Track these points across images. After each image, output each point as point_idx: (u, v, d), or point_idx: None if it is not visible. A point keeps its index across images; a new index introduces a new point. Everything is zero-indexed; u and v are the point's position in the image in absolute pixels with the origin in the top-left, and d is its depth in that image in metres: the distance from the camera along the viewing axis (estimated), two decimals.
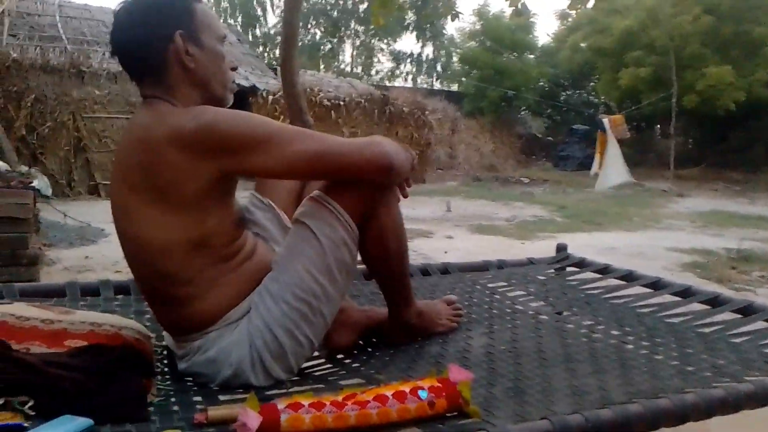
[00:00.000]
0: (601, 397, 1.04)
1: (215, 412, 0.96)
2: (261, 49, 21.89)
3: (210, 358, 1.18)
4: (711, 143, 17.42)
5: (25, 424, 0.88)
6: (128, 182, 1.13)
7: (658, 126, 18.85)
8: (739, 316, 1.57)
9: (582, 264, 2.13)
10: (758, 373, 1.16)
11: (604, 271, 2.02)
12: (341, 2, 22.74)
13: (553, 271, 2.11)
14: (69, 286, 1.59)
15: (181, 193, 1.10)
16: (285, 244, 1.27)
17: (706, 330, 1.48)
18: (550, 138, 19.65)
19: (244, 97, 11.81)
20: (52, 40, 10.01)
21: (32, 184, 3.49)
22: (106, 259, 4.75)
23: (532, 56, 19.47)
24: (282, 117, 11.20)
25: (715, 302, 1.65)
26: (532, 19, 17.94)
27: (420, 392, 0.97)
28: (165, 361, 1.31)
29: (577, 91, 20.73)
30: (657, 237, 7.07)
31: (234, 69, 1.27)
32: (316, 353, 1.36)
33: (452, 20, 13.42)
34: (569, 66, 18.42)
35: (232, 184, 1.20)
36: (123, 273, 4.21)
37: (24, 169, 4.15)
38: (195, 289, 1.15)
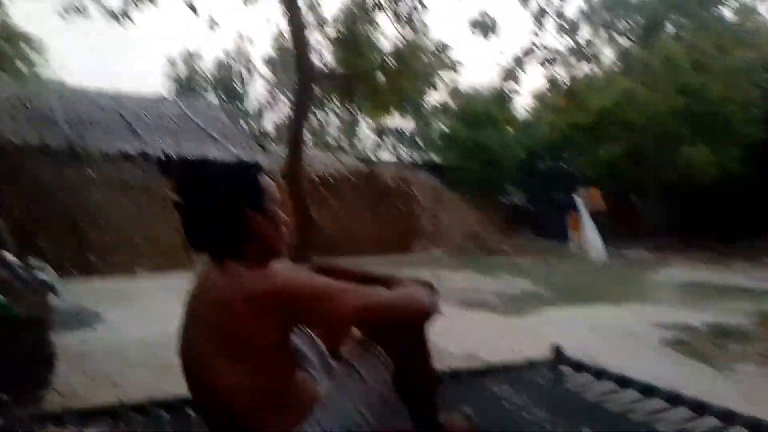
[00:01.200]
0: None
1: None
2: (245, 124, 22.49)
3: None
4: (688, 213, 18.01)
5: None
6: (205, 336, 1.32)
7: (636, 198, 19.47)
8: (722, 424, 1.77)
9: (578, 366, 2.33)
10: None
11: (599, 374, 2.22)
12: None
13: (552, 374, 2.30)
14: (120, 408, 1.75)
15: (255, 344, 1.29)
16: (335, 380, 1.47)
17: None
18: (532, 208, 20.14)
19: None
20: (49, 124, 10.31)
21: (47, 282, 3.63)
22: (106, 347, 4.84)
23: (510, 130, 20.26)
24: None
25: (700, 408, 1.86)
26: (510, 94, 18.79)
27: None
28: None
29: (558, 162, 21.44)
30: (640, 312, 7.29)
31: (285, 224, 1.49)
32: None
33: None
34: (548, 139, 19.17)
35: (292, 330, 1.41)
36: (123, 363, 4.30)
37: (33, 262, 4.27)
38: (258, 425, 1.32)
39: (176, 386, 3.42)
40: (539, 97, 19.40)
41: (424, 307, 1.44)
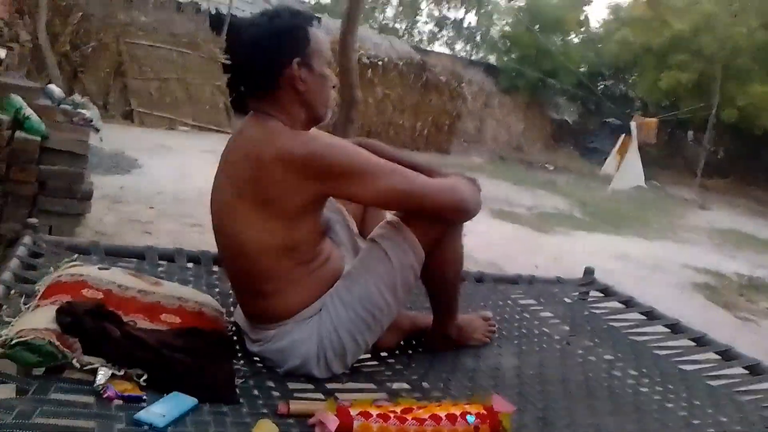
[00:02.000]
0: None
1: (296, 406, 1.14)
2: None
3: (281, 348, 1.35)
4: (742, 158, 17.21)
5: (144, 396, 1.05)
6: (236, 189, 1.27)
7: (691, 132, 18.59)
8: (747, 372, 1.71)
9: (606, 292, 2.26)
10: None
11: (628, 303, 2.16)
12: None
13: (578, 294, 2.25)
14: (147, 250, 1.76)
15: (284, 206, 1.25)
16: (360, 258, 1.43)
17: (714, 383, 1.63)
18: (581, 126, 19.44)
19: None
20: None
21: (90, 120, 3.62)
22: (139, 193, 4.95)
23: (576, 39, 19.10)
24: None
25: (726, 355, 1.79)
26: None
27: (468, 417, 1.14)
28: (235, 338, 1.47)
29: (617, 84, 20.38)
30: (673, 249, 7.17)
31: (334, 87, 1.39)
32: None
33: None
34: (613, 57, 18.07)
35: (324, 201, 1.36)
36: (154, 211, 4.40)
37: (78, 98, 4.25)
38: (280, 286, 1.32)
39: (201, 242, 3.48)
40: (615, 10, 18.04)
41: (465, 202, 1.38)
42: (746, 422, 1.40)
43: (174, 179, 5.64)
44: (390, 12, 23.37)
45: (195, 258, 1.81)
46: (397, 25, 23.33)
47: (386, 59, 12.42)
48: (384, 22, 22.26)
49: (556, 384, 1.49)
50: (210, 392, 1.12)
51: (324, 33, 1.40)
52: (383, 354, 1.57)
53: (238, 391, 1.19)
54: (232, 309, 1.58)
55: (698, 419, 1.40)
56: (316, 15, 13.52)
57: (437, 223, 1.40)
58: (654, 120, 13.76)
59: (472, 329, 1.68)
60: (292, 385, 1.31)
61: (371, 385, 1.38)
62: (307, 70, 1.28)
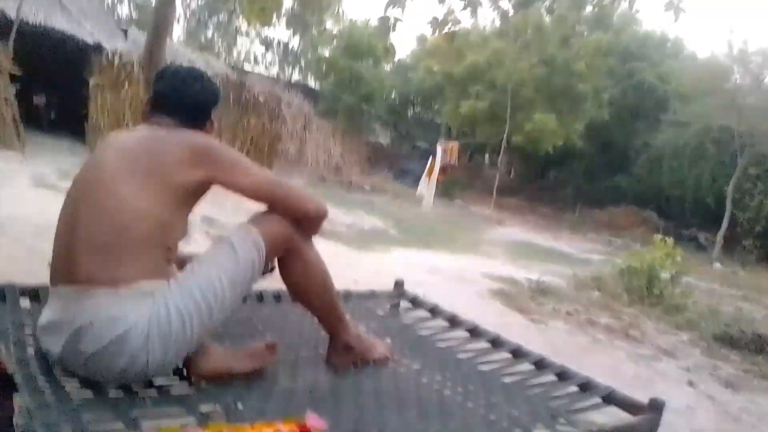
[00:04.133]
0: None
1: None
2: (109, 2, 20.10)
3: (108, 315, 1.31)
4: (530, 178, 19.61)
5: None
6: (130, 162, 1.41)
7: (487, 155, 20.70)
8: (534, 368, 1.93)
9: (415, 302, 2.41)
10: (542, 425, 1.48)
11: (433, 311, 2.32)
12: None
13: (390, 306, 2.36)
14: None
15: (174, 182, 1.41)
16: (206, 251, 1.52)
17: (508, 380, 1.82)
18: (394, 150, 20.57)
19: (87, 55, 10.81)
20: None
21: None
22: None
23: (387, 67, 20.27)
24: (128, 84, 10.45)
25: (517, 353, 2.01)
26: (394, 21, 18.68)
27: None
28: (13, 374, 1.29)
29: (425, 110, 21.98)
30: (475, 261, 7.86)
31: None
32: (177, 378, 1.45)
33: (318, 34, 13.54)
34: (420, 85, 19.51)
35: (204, 192, 1.51)
36: None
37: None
38: (137, 252, 1.37)
39: None
40: (421, 41, 19.50)
41: (319, 205, 1.61)
42: (535, 413, 1.58)
43: None
44: (210, 30, 22.71)
45: None
46: (216, 45, 22.73)
47: None
48: (204, 44, 21.51)
49: (370, 396, 1.54)
50: None
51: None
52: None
53: None
54: (12, 349, 1.39)
55: (495, 415, 1.54)
56: (123, 28, 12.59)
57: (288, 227, 1.56)
58: (456, 144, 15.08)
59: (372, 344, 1.79)
60: (86, 416, 1.18)
61: (181, 409, 1.31)
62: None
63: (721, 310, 6.85)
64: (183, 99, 1.57)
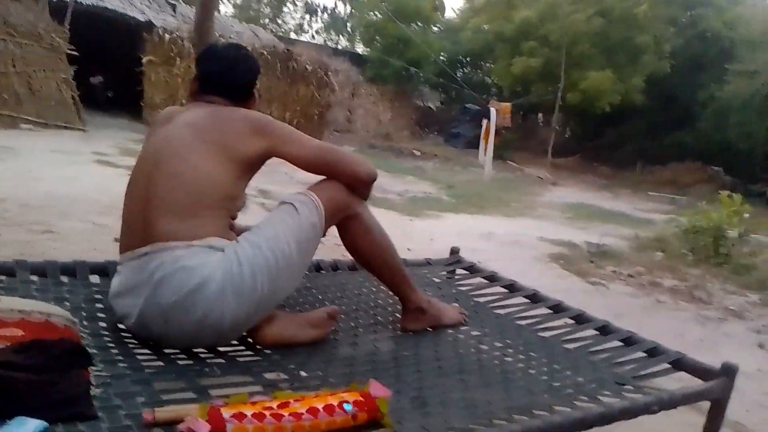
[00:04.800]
0: (488, 412, 1.27)
1: (163, 414, 1.06)
2: None
3: (185, 266, 1.38)
4: (587, 138, 18.94)
5: None
6: (199, 135, 1.50)
7: (541, 115, 20.09)
8: (598, 333, 1.88)
9: (472, 269, 2.38)
10: (608, 392, 1.44)
11: (491, 278, 2.29)
12: None
13: (446, 273, 2.34)
14: None
15: (236, 153, 1.50)
16: (269, 213, 1.58)
17: (571, 346, 1.78)
18: (444, 113, 20.26)
19: (138, 33, 11.04)
20: None
21: None
22: None
23: (436, 29, 19.81)
24: (179, 59, 10.64)
25: (579, 319, 1.96)
26: None
27: (345, 406, 1.14)
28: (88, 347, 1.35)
29: (475, 71, 21.45)
30: (531, 225, 7.72)
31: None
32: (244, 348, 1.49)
33: None
34: (470, 45, 18.99)
35: (259, 167, 1.59)
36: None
37: None
38: (211, 214, 1.46)
39: (52, 252, 3.17)
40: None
41: (369, 169, 1.63)
42: (600, 380, 1.54)
43: (18, 184, 5.09)
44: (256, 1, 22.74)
45: (40, 269, 1.65)
46: (263, 15, 22.76)
47: (250, 49, 12.06)
48: (252, 15, 21.57)
49: (431, 363, 1.54)
50: (61, 410, 1.01)
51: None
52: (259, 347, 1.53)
53: (95, 403, 1.09)
54: (85, 323, 1.45)
55: (558, 381, 1.51)
56: (171, 2, 12.77)
57: (344, 193, 1.60)
58: (508, 105, 14.69)
59: (444, 308, 1.83)
60: (158, 385, 1.23)
61: (247, 378, 1.34)
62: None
63: None
64: (229, 81, 1.65)
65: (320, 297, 1.93)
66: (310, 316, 1.63)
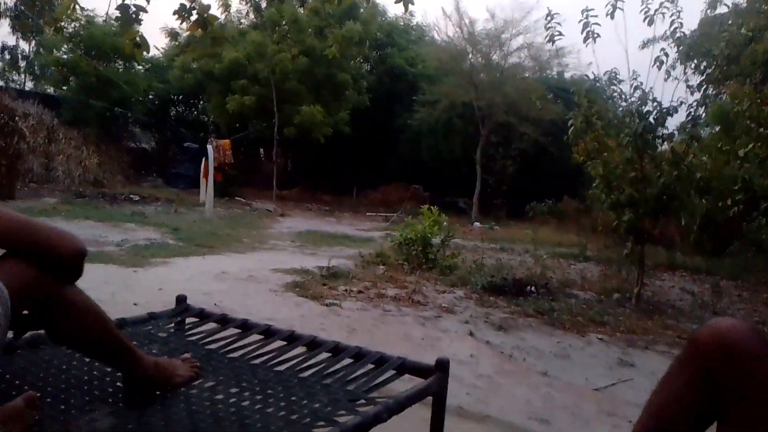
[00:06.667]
0: None
1: None
2: None
3: None
4: (307, 169, 19.97)
5: None
6: None
7: (263, 150, 20.54)
8: (331, 355, 1.95)
9: (202, 315, 2.26)
10: (343, 411, 1.49)
11: (222, 321, 2.20)
12: None
13: (173, 325, 2.18)
14: None
15: None
16: None
17: (306, 374, 1.80)
18: (161, 154, 19.29)
19: None
20: None
21: None
22: None
23: (140, 67, 18.77)
24: None
25: (312, 345, 2.01)
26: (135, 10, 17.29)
27: None
28: None
29: (189, 109, 20.93)
30: (264, 258, 7.77)
31: None
32: None
33: (56, 31, 12.01)
34: (180, 84, 18.49)
35: None
36: None
37: None
38: None
39: None
40: (173, 36, 18.37)
41: (70, 244, 1.39)
42: (335, 401, 1.58)
43: None
44: None
45: None
46: None
47: None
48: None
49: (160, 428, 1.40)
50: None
51: None
52: None
53: None
54: None
55: (296, 413, 1.51)
56: None
57: (37, 273, 1.36)
58: (227, 141, 14.65)
59: (174, 367, 1.62)
60: None
61: None
62: None
63: (486, 263, 7.76)
64: None
65: (17, 383, 1.62)
66: (1, 412, 1.35)
